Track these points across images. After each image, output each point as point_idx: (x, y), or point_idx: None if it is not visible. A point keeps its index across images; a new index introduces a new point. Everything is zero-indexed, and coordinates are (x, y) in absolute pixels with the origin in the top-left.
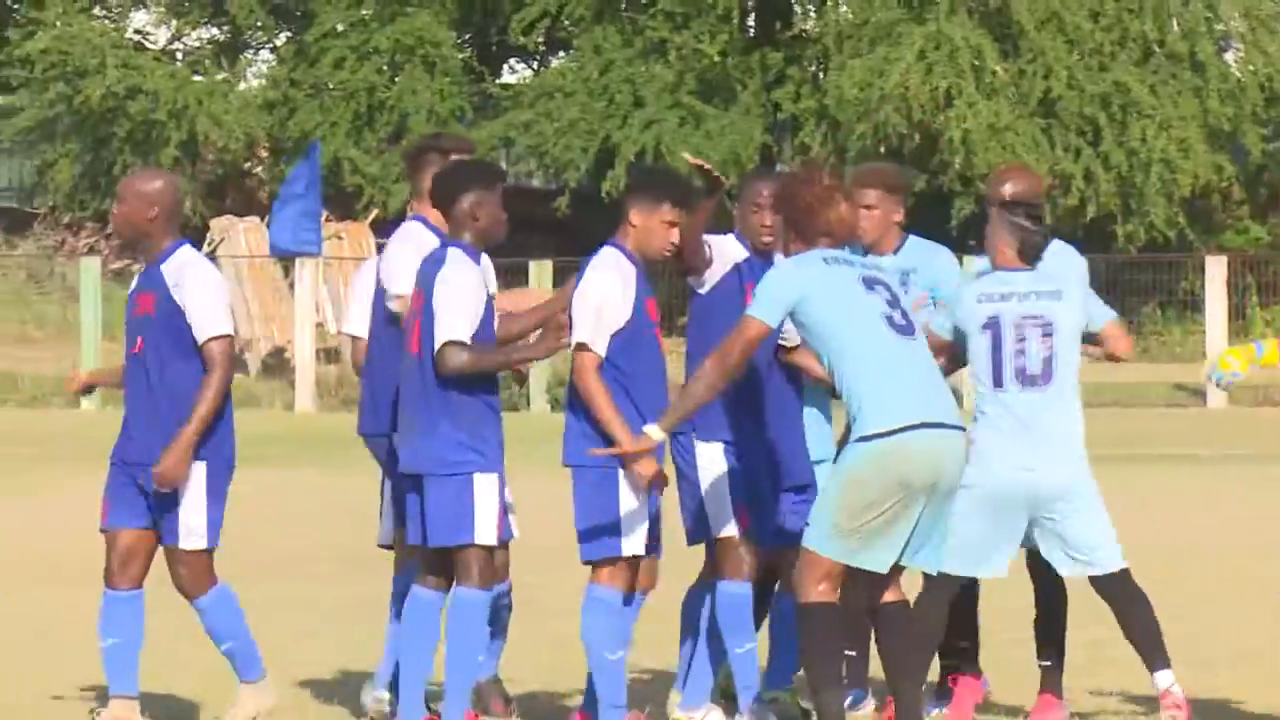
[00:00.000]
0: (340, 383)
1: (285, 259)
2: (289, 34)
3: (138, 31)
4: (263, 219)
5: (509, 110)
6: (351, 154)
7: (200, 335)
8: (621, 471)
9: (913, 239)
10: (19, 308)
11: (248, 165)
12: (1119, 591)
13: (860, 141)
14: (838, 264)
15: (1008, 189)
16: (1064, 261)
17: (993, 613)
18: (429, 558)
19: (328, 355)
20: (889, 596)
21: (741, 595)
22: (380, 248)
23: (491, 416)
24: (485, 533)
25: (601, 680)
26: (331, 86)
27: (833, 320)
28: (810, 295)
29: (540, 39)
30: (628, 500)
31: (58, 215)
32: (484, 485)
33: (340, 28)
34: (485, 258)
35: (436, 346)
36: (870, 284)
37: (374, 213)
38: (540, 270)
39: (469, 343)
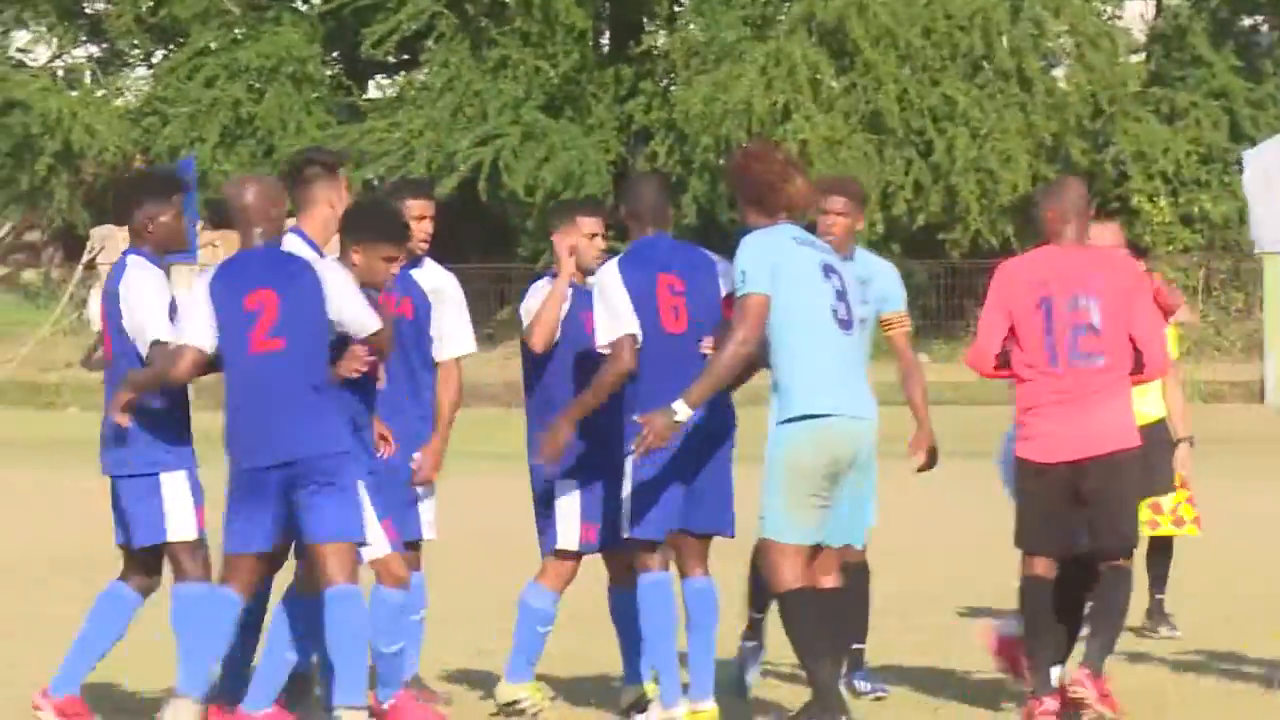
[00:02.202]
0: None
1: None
2: (165, 52)
3: (20, 50)
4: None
5: (368, 122)
6: (225, 166)
7: None
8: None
9: (860, 250)
10: None
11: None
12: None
13: (704, 154)
14: (803, 245)
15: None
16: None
17: None
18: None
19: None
20: (829, 582)
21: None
22: None
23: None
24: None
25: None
26: (202, 102)
27: (787, 300)
28: (777, 266)
29: (403, 54)
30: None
31: None
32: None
33: (212, 46)
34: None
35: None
36: (828, 271)
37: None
38: None
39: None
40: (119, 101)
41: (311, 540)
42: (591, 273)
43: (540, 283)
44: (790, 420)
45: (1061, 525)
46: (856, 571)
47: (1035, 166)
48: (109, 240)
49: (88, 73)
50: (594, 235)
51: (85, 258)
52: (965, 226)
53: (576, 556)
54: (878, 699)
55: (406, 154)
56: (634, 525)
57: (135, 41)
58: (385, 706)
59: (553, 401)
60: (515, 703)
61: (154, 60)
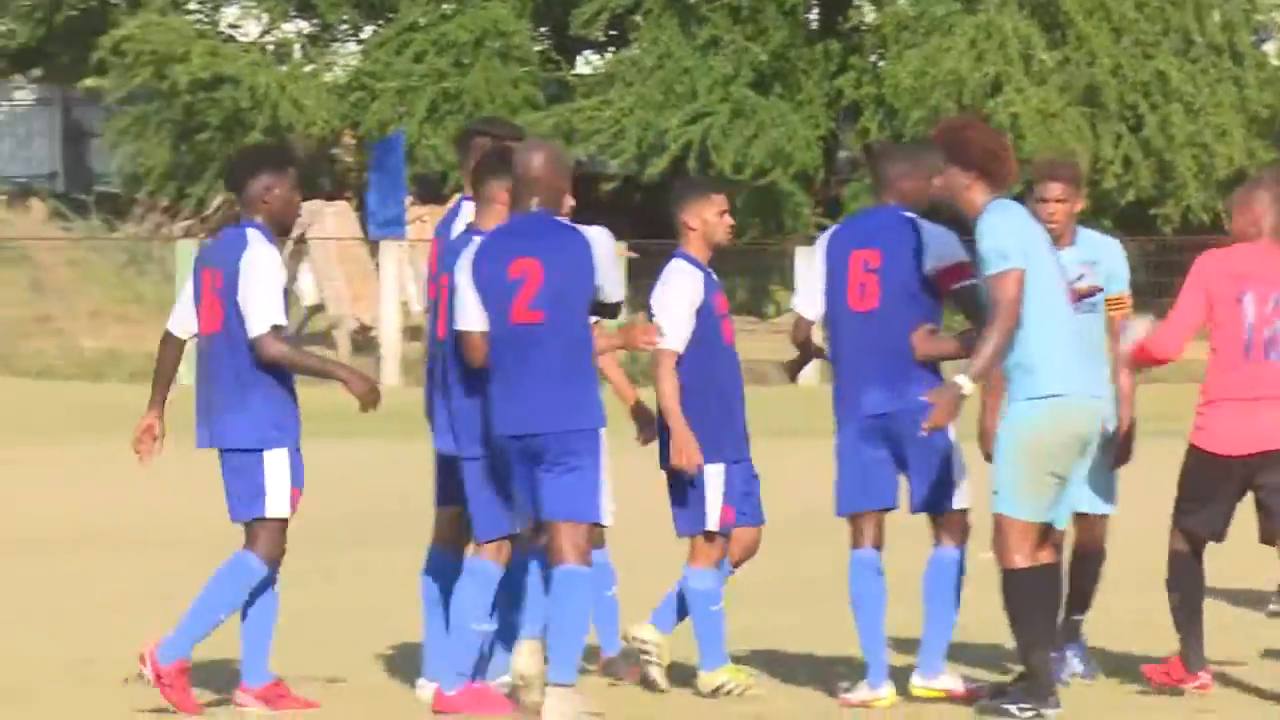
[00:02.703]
0: (424, 358)
1: (371, 241)
2: (374, 27)
3: (231, 25)
4: (350, 202)
5: (578, 100)
6: (433, 141)
7: None
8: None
9: (1083, 231)
10: (120, 288)
11: (335, 151)
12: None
13: (914, 127)
14: (1036, 221)
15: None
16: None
17: None
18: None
19: (412, 333)
20: (1045, 557)
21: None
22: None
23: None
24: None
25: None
26: (411, 77)
27: (1033, 277)
28: (1025, 242)
29: (612, 31)
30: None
31: (155, 200)
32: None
33: (421, 21)
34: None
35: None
36: (1051, 250)
37: (455, 197)
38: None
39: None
40: (327, 77)
41: (548, 517)
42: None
43: (677, 263)
44: (1034, 398)
45: (1219, 512)
46: (1093, 548)
47: (1249, 142)
48: (317, 216)
49: (297, 48)
50: (723, 212)
51: (295, 233)
52: (1177, 201)
53: (723, 536)
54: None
55: (617, 132)
56: (845, 502)
57: (345, 16)
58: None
59: (686, 391)
60: (720, 688)
61: (363, 35)
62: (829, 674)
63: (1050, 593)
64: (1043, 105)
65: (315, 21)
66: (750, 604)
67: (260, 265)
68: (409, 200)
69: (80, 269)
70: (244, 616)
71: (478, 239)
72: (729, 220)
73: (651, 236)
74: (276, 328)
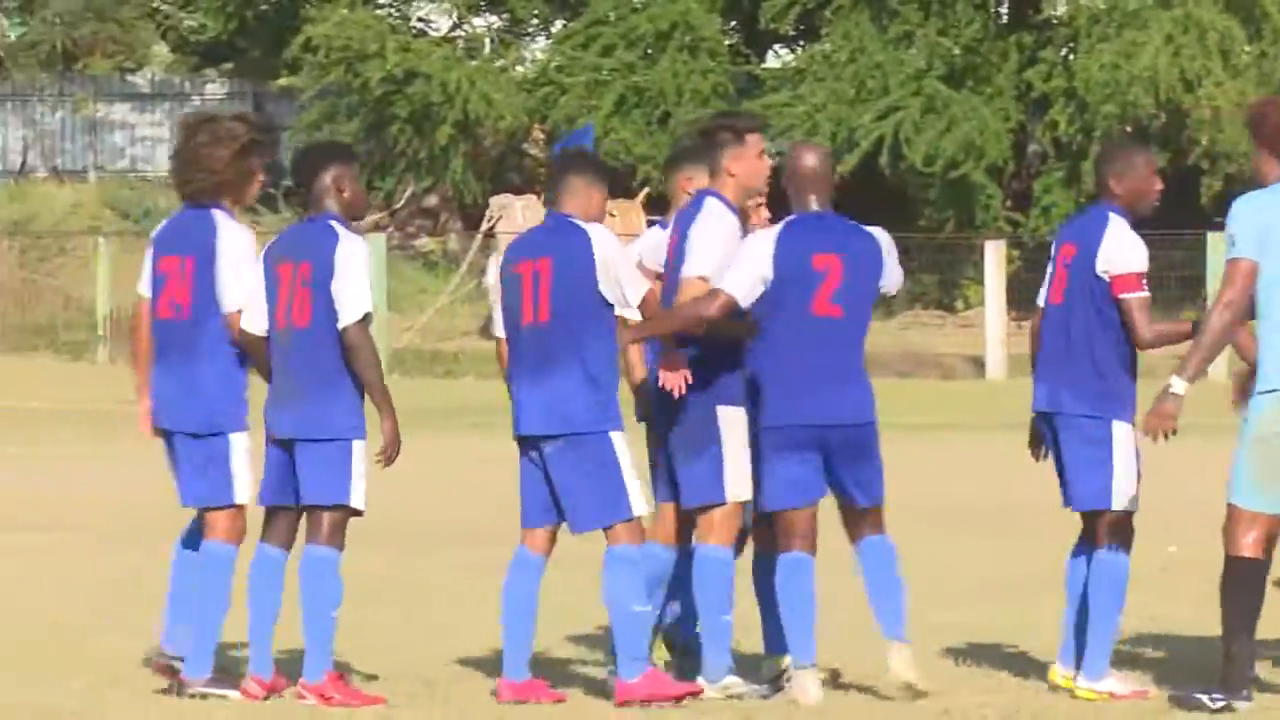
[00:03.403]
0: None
1: None
2: (563, 21)
3: (421, 19)
4: (539, 196)
5: (767, 94)
6: (621, 134)
7: None
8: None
9: None
10: None
11: (524, 146)
12: None
13: (1106, 121)
14: None
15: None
16: None
17: None
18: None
19: None
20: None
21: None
22: (651, 224)
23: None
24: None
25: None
26: (600, 70)
27: (1273, 265)
28: (1269, 230)
29: (800, 25)
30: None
31: None
32: None
33: (610, 15)
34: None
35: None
36: None
37: (645, 191)
38: None
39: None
40: (517, 71)
41: (851, 504)
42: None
43: (654, 230)
44: (1261, 392)
45: None
46: None
47: None
48: (506, 209)
49: (486, 42)
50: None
51: (484, 226)
52: None
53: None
54: None
55: (810, 128)
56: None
57: (535, 11)
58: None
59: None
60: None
61: (552, 29)
62: (1019, 667)
63: (1262, 586)
64: (1240, 99)
65: (505, 16)
66: (961, 601)
67: (354, 257)
68: None
69: None
70: (254, 606)
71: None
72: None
73: None
74: (367, 317)
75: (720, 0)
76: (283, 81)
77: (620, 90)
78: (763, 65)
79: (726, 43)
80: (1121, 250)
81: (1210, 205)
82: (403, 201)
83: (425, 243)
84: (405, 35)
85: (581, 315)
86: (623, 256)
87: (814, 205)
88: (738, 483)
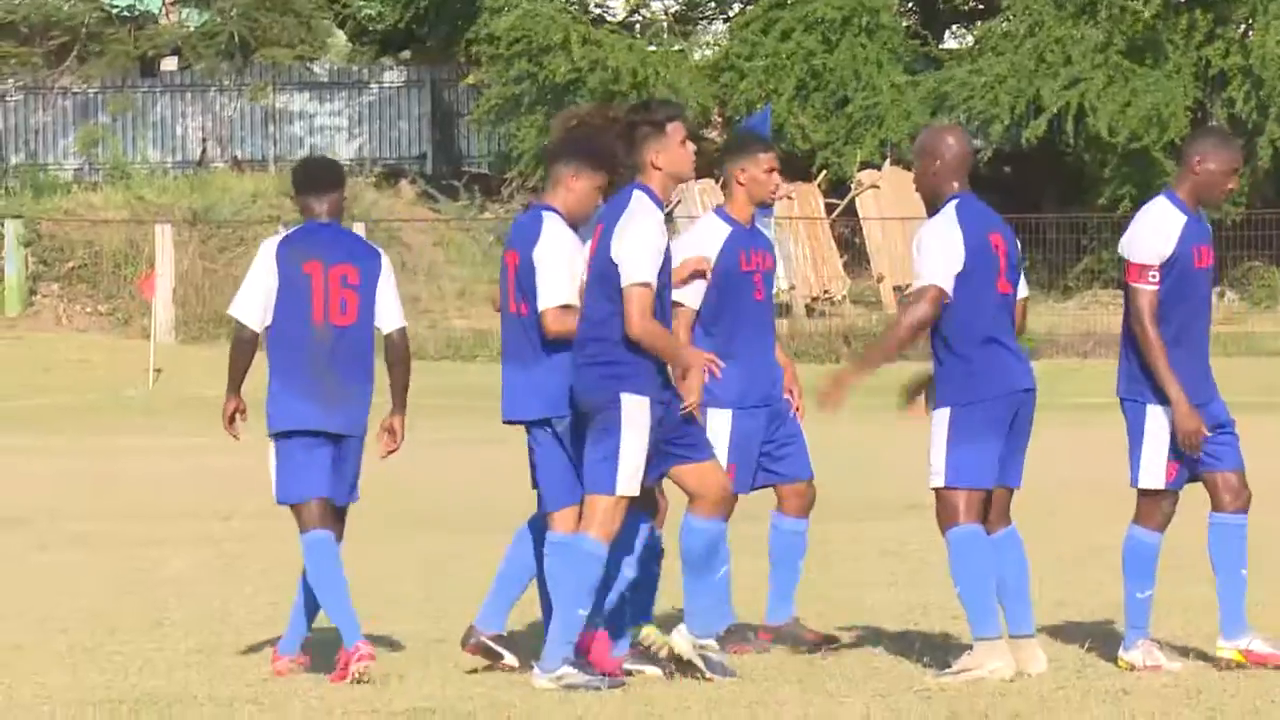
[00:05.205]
0: (792, 335)
1: None
2: (741, 5)
3: (598, 5)
4: (717, 181)
5: (944, 71)
6: (801, 119)
7: None
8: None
9: None
10: (490, 268)
11: (704, 131)
12: None
13: None
14: None
15: None
16: None
17: None
18: None
19: (779, 310)
20: None
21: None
22: (829, 209)
23: None
24: None
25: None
26: (779, 55)
27: None
28: None
29: (979, 3)
30: None
31: (524, 181)
32: None
33: (788, 0)
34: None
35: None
36: None
37: (824, 174)
38: None
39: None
40: (695, 56)
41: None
42: (766, 205)
43: (709, 218)
44: None
45: None
46: None
47: None
48: (685, 193)
49: (664, 27)
50: (772, 170)
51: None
52: None
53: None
54: None
55: (992, 99)
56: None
57: None
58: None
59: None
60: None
61: (730, 14)
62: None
63: None
64: None
65: (682, 2)
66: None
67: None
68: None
69: (448, 249)
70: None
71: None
72: (776, 179)
73: (1021, 210)
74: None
75: None
76: (470, 80)
77: (799, 75)
78: (940, 46)
79: (904, 24)
80: (1136, 239)
81: None
82: None
83: None
84: (584, 24)
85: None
86: (556, 256)
87: (963, 187)
88: (630, 478)
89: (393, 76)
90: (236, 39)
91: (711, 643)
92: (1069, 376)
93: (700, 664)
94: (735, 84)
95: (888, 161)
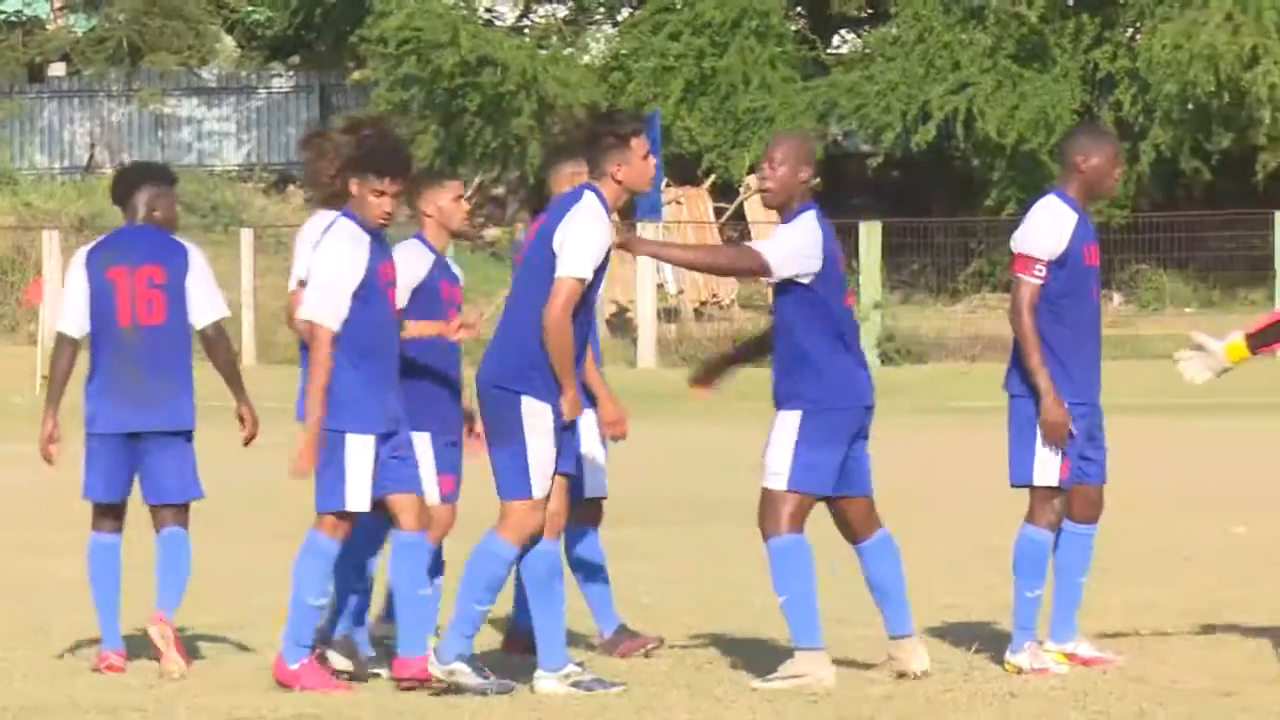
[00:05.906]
0: (680, 340)
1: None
2: (630, 9)
3: (487, 9)
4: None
5: (834, 76)
6: (688, 123)
7: None
8: None
9: None
10: None
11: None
12: None
13: (1168, 101)
14: None
15: None
16: None
17: None
18: None
19: (667, 315)
20: None
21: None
22: (717, 212)
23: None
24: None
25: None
26: (667, 57)
27: None
28: None
29: (868, 9)
30: None
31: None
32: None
33: (677, 3)
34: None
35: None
36: None
37: (711, 178)
38: (869, 232)
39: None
40: (584, 59)
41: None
42: (459, 235)
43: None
44: None
45: None
46: None
47: None
48: None
49: (553, 33)
50: (459, 198)
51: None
52: None
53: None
54: None
55: (883, 107)
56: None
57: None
58: None
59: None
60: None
61: (619, 17)
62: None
63: None
64: None
65: (571, 4)
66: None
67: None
68: (665, 183)
69: None
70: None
71: None
72: (465, 206)
73: (908, 214)
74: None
75: None
76: (356, 76)
77: (687, 77)
78: (829, 50)
79: (793, 28)
80: (1023, 229)
81: (1266, 183)
82: (470, 191)
83: (493, 233)
84: (474, 24)
85: None
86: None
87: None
88: (542, 480)
89: (281, 82)
90: (125, 44)
91: (459, 665)
92: (957, 380)
93: (470, 682)
94: (623, 85)
95: None
